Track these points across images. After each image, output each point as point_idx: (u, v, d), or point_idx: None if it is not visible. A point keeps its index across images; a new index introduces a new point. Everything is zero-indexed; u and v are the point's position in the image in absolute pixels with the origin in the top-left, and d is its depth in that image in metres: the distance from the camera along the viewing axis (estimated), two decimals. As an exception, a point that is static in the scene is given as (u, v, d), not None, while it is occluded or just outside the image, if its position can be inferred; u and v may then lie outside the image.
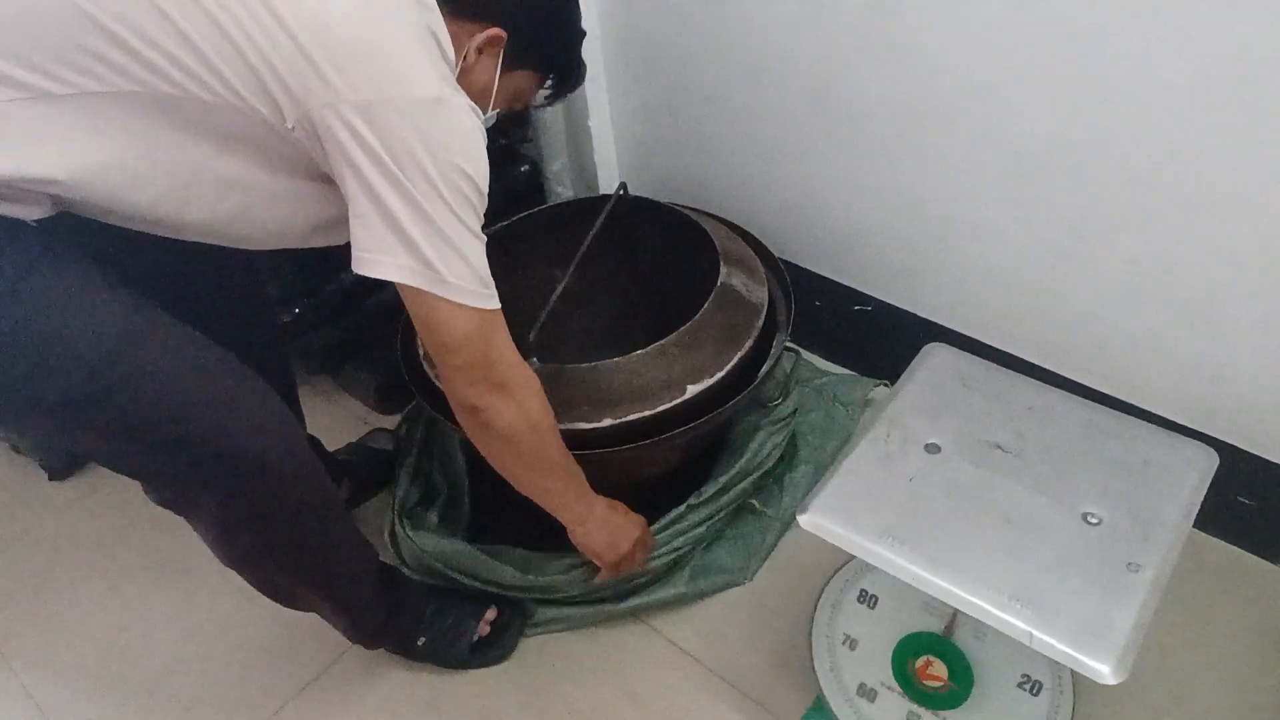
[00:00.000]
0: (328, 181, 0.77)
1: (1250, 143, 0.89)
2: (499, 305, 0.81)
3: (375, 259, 0.74)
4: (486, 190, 0.78)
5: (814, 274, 1.41)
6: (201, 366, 0.80)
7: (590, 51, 1.40)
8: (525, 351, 0.99)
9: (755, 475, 1.21)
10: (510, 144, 1.51)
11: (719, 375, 1.06)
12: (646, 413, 1.02)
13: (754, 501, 1.22)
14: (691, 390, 1.04)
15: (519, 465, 0.93)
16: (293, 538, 0.90)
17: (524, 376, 0.87)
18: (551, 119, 1.45)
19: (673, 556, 1.13)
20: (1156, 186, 0.97)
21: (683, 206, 1.28)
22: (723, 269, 1.15)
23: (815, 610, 0.94)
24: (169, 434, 0.77)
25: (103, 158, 0.70)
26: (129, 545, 1.31)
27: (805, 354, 1.48)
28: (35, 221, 0.71)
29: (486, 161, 0.78)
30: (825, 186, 1.29)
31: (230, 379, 0.82)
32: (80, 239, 0.74)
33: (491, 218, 1.52)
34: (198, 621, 1.20)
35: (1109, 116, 0.97)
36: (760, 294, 1.16)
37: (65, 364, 0.71)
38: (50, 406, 0.72)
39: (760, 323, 1.12)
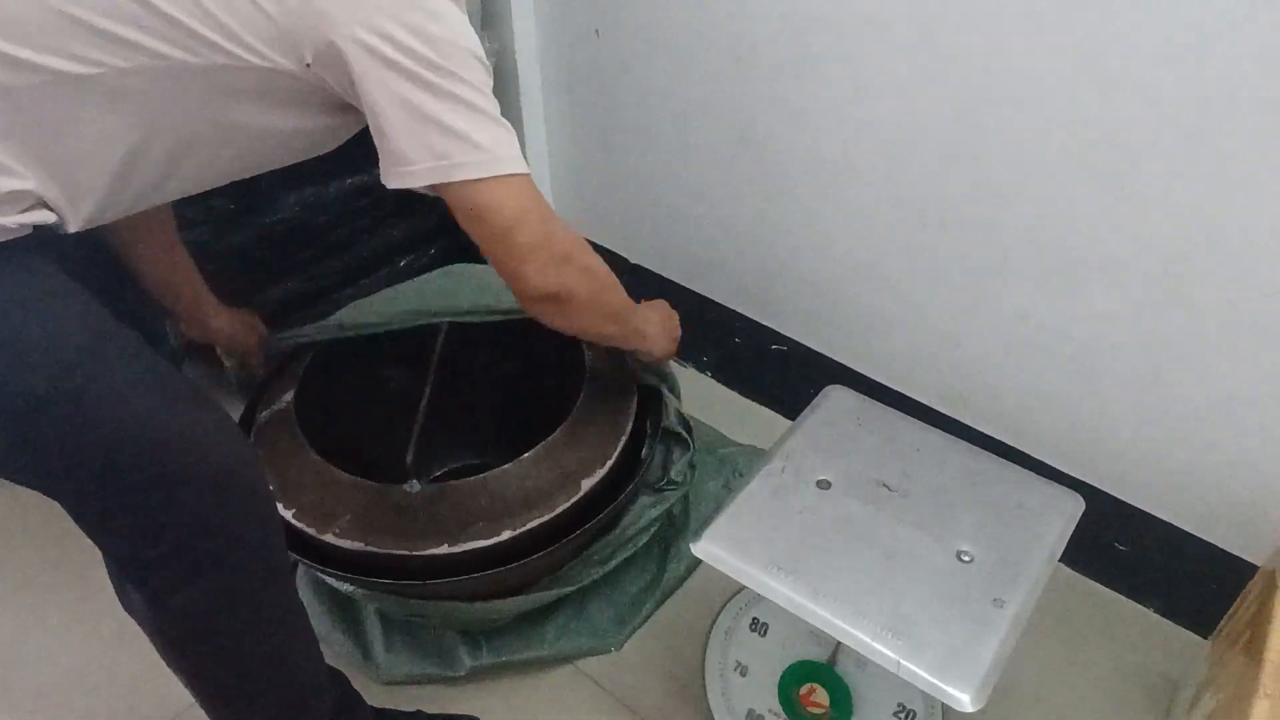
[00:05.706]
0: (329, 109, 0.80)
1: (1118, 214, 0.97)
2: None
3: (410, 170, 0.75)
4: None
5: (734, 312, 1.46)
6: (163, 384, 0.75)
7: (528, 81, 1.44)
8: (402, 475, 0.96)
9: (627, 552, 1.14)
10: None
11: (609, 463, 1.04)
12: (545, 517, 0.99)
13: None
14: (586, 485, 1.01)
15: (606, 324, 0.94)
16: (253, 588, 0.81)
17: (575, 234, 0.85)
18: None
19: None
20: (1041, 248, 1.04)
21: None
22: (586, 352, 1.12)
23: (709, 636, 0.97)
24: (130, 451, 0.71)
25: (114, 132, 0.73)
26: (24, 554, 1.28)
27: (739, 397, 1.52)
28: None
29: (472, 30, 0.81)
30: (746, 227, 1.34)
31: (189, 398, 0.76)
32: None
33: (417, 247, 1.48)
34: (91, 631, 1.18)
35: (997, 181, 1.04)
36: (626, 370, 1.15)
37: (31, 363, 0.67)
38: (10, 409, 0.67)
39: (634, 403, 1.11)
